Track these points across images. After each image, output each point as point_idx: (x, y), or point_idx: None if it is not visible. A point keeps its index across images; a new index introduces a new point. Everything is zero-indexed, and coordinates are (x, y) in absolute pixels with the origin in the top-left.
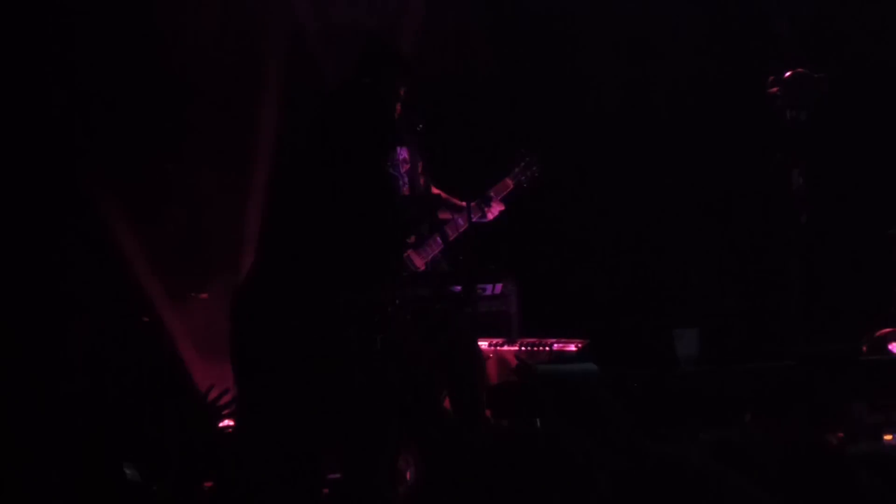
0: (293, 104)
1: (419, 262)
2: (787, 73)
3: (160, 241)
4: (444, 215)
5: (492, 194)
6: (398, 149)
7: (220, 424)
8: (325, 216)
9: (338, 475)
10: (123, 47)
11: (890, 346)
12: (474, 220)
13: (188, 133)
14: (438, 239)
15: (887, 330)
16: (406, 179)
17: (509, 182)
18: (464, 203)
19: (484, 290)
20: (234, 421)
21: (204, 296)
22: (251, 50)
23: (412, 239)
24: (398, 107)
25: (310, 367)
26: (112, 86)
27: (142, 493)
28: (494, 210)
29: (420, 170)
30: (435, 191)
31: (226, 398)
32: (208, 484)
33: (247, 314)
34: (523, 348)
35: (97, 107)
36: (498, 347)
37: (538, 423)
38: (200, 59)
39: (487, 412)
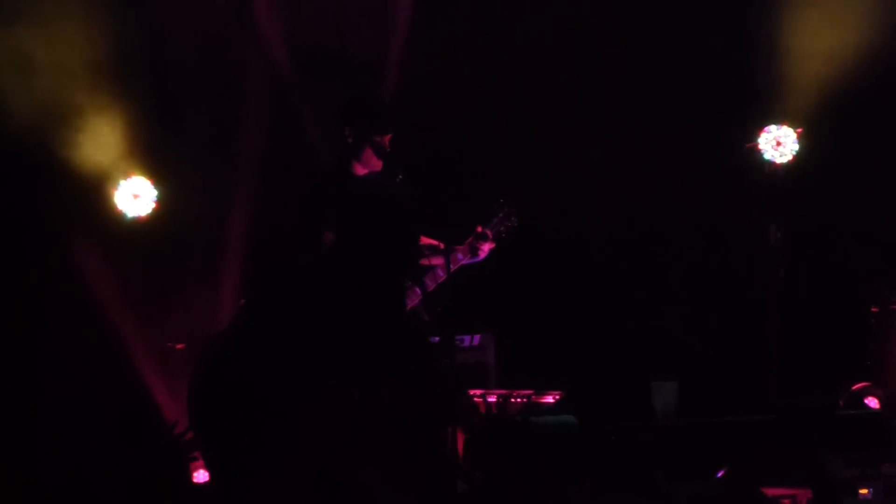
0: (274, 171)
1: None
2: (766, 129)
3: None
4: (427, 261)
5: (478, 238)
6: (378, 197)
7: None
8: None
9: None
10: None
11: (866, 401)
12: (465, 262)
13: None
14: (417, 290)
15: (863, 384)
16: None
17: (488, 233)
18: (442, 245)
19: (462, 340)
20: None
21: (180, 346)
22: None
23: None
24: (379, 155)
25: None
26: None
27: None
28: (483, 252)
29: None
30: (422, 239)
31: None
32: None
33: (210, 366)
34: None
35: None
36: (475, 398)
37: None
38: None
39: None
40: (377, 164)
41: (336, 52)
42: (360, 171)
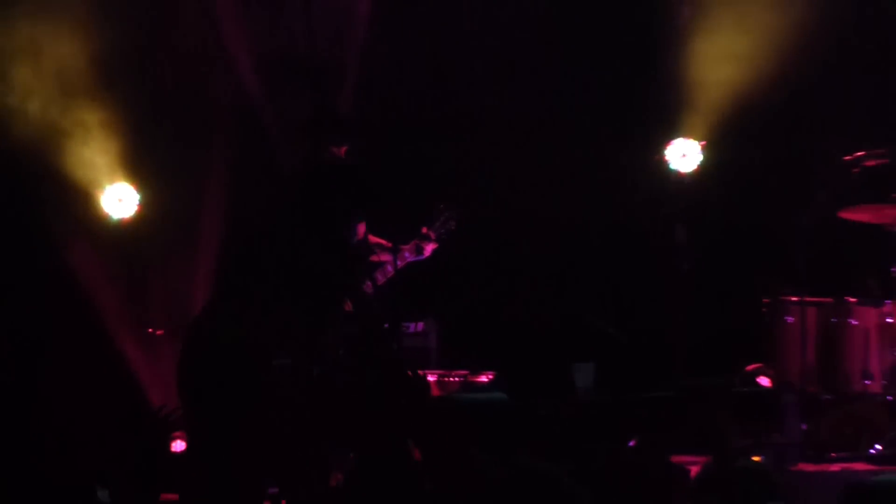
0: (243, 177)
1: (348, 306)
2: (672, 142)
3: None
4: (377, 258)
5: (422, 239)
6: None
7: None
8: (279, 271)
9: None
10: None
11: (759, 380)
12: (411, 259)
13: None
14: (369, 283)
15: (756, 365)
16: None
17: (431, 234)
18: (391, 245)
19: (408, 327)
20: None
21: (160, 332)
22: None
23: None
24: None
25: (250, 395)
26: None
27: None
28: (428, 250)
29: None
30: (372, 238)
31: (176, 414)
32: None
33: (197, 347)
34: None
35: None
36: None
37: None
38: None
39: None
40: None
41: (300, 63)
42: None
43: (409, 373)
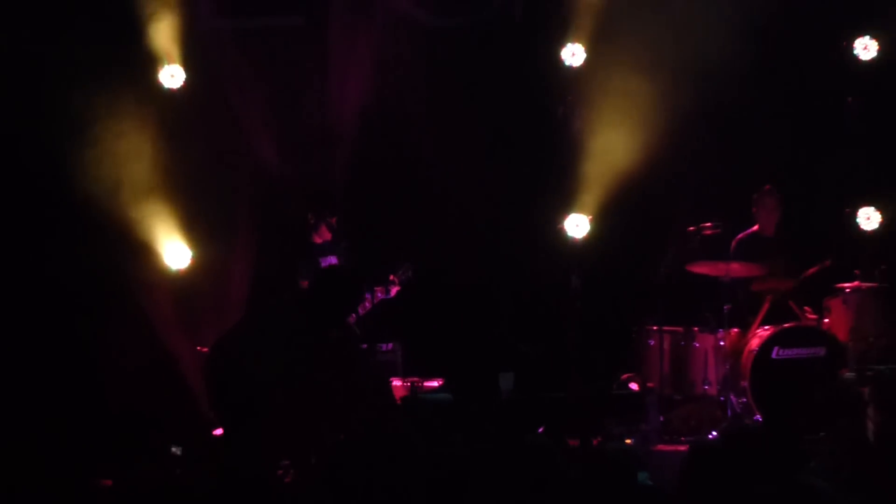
0: (265, 228)
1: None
2: (570, 214)
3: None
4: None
5: (390, 283)
6: (329, 257)
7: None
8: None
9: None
10: None
11: (630, 385)
12: (382, 297)
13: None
14: (353, 315)
15: (628, 374)
16: None
17: (395, 280)
18: (373, 289)
19: (380, 346)
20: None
21: (204, 350)
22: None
23: None
24: (329, 231)
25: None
26: None
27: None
28: (393, 291)
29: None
30: None
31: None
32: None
33: (219, 361)
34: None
35: None
36: (391, 383)
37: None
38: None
39: None
40: (328, 236)
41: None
42: (318, 240)
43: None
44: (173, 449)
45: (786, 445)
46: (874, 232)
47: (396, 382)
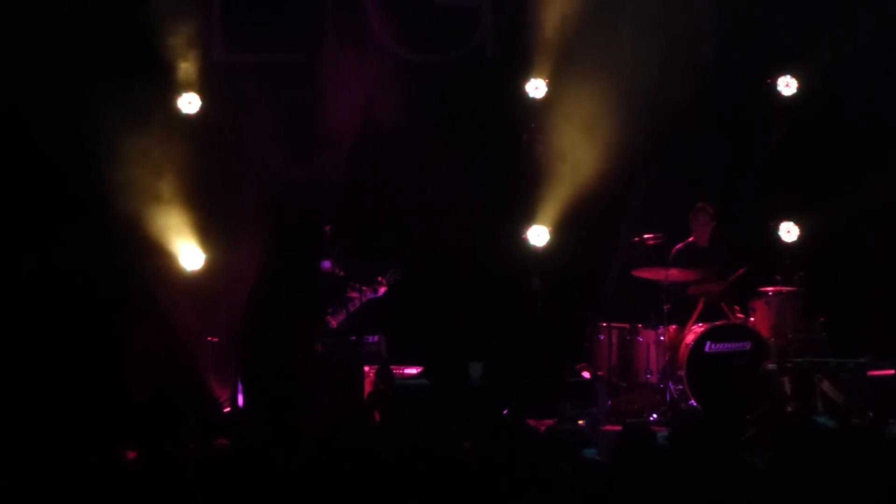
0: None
1: (333, 323)
2: (531, 227)
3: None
4: (352, 295)
5: (378, 284)
6: (324, 262)
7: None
8: (286, 299)
9: None
10: None
11: (583, 373)
12: (369, 297)
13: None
14: (344, 311)
15: (581, 364)
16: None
17: (383, 282)
18: (358, 286)
19: (367, 339)
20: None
21: (215, 339)
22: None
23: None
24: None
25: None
26: None
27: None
28: (380, 292)
29: (339, 271)
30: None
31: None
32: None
33: (245, 349)
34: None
35: None
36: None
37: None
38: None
39: None
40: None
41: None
42: None
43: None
44: (189, 421)
45: (726, 426)
46: (793, 243)
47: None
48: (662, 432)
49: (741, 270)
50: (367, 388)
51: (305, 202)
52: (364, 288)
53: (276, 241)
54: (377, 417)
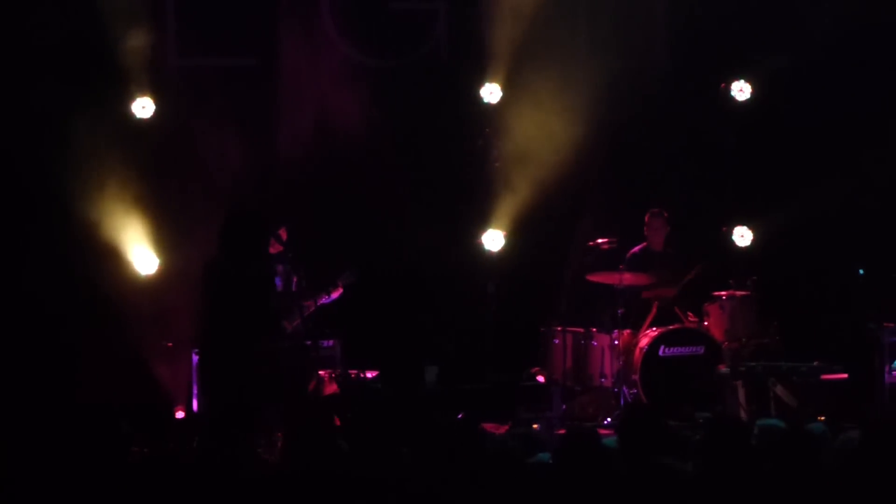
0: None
1: (288, 326)
2: (487, 230)
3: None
4: (306, 301)
5: (331, 288)
6: (279, 266)
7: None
8: (237, 301)
9: None
10: None
11: (538, 378)
12: (324, 300)
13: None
14: (299, 315)
15: (536, 368)
16: (282, 282)
17: (339, 284)
18: (316, 293)
19: (323, 343)
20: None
21: (169, 344)
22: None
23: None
24: (279, 242)
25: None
26: None
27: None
28: (335, 295)
29: (292, 276)
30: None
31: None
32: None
33: (205, 352)
34: (343, 375)
35: None
36: (332, 375)
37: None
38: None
39: None
40: (279, 248)
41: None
42: (271, 251)
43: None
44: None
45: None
46: (747, 248)
47: (333, 374)
48: (615, 436)
49: (694, 272)
50: (325, 391)
51: (260, 205)
52: (319, 293)
53: (220, 239)
54: (336, 422)
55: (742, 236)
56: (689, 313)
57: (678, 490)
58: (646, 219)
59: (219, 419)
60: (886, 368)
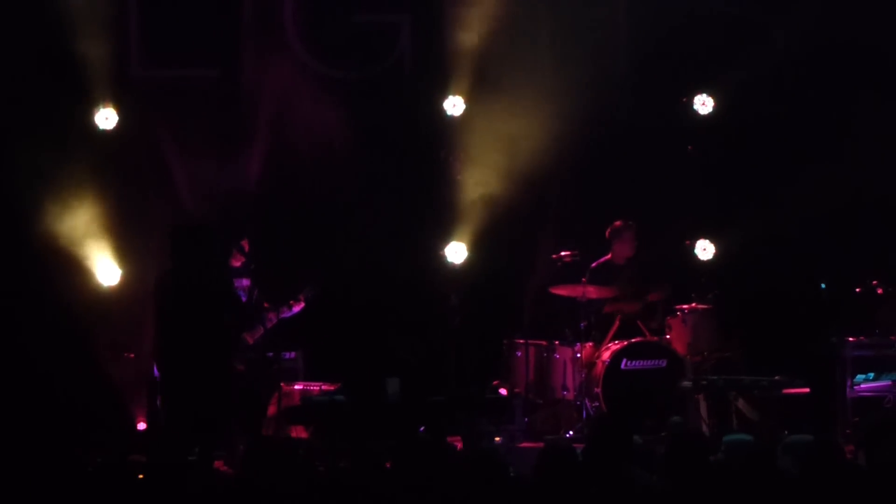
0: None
1: (250, 340)
2: (450, 243)
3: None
4: (268, 315)
5: (293, 302)
6: (242, 279)
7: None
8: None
9: None
10: None
11: (500, 391)
12: (286, 314)
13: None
14: (261, 327)
15: (497, 381)
16: (245, 295)
17: (301, 298)
18: (278, 306)
19: (284, 355)
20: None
21: (131, 355)
22: None
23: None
24: (241, 254)
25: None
26: None
27: None
28: (296, 309)
29: (254, 289)
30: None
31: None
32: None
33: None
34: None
35: None
36: (294, 386)
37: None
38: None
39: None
40: (241, 259)
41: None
42: (235, 263)
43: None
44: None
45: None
46: (709, 261)
47: (297, 386)
48: (579, 448)
49: (659, 295)
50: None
51: (223, 216)
52: (281, 307)
53: (170, 252)
54: (304, 433)
55: (704, 249)
56: (653, 328)
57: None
58: (616, 231)
59: (178, 430)
60: (848, 383)
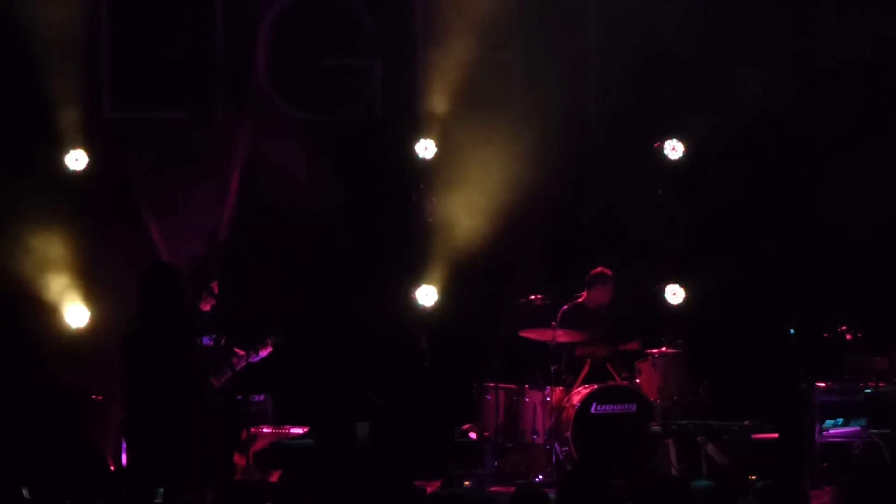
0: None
1: (216, 384)
2: (420, 286)
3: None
4: (235, 361)
5: (259, 347)
6: (210, 323)
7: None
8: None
9: None
10: None
11: (470, 434)
12: (253, 359)
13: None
14: (229, 371)
15: (468, 425)
16: (211, 340)
17: (268, 343)
18: (243, 352)
19: (253, 398)
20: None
21: (99, 398)
22: None
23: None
24: (211, 296)
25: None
26: None
27: None
28: (263, 353)
29: (223, 333)
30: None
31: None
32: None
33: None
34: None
35: None
36: (262, 429)
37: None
38: None
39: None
40: (211, 302)
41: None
42: (206, 307)
43: None
44: (24, 491)
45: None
46: (679, 305)
47: (265, 429)
48: (551, 493)
49: (634, 345)
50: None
51: (192, 259)
52: (249, 351)
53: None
54: (273, 477)
55: (674, 294)
56: (625, 375)
57: None
58: (599, 273)
59: (144, 474)
60: (817, 428)
